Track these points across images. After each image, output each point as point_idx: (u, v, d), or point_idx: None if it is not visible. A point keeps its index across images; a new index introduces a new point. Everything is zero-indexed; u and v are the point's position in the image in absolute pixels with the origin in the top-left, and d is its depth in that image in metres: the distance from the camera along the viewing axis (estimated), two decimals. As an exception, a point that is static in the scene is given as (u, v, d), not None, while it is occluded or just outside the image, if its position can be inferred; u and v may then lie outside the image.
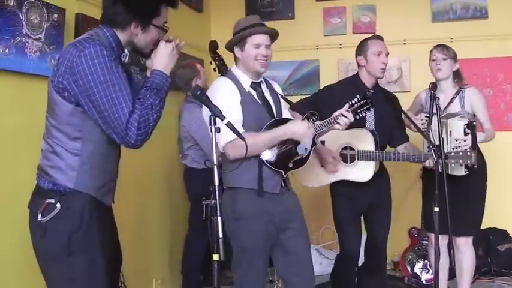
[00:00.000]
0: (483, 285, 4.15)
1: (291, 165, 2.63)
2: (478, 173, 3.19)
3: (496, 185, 4.56)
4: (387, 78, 4.72)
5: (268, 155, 2.56)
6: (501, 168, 4.61)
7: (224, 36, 5.33)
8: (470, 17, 4.63)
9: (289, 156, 2.61)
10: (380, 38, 3.29)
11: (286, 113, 2.79)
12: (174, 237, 4.16)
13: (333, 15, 4.86)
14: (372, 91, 3.02)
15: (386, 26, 4.79)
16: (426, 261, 4.20)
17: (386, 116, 3.22)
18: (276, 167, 2.57)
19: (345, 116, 2.60)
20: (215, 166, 2.14)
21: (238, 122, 2.48)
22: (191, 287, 4.03)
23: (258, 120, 2.57)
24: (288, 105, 2.84)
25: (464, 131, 3.08)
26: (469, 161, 2.93)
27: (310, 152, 2.66)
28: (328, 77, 4.61)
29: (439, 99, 2.95)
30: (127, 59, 2.04)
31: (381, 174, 3.25)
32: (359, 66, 3.27)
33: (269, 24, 5.02)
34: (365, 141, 3.10)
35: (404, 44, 4.68)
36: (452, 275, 4.31)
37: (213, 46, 4.20)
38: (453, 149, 3.10)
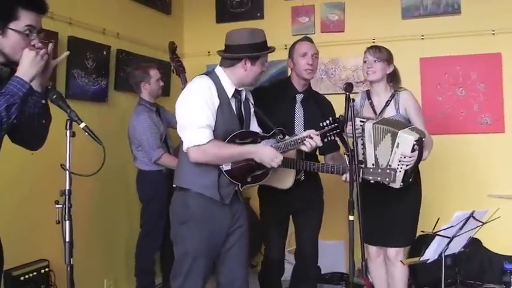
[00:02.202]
0: (445, 297, 3.92)
1: (249, 180, 2.63)
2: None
3: (473, 190, 4.34)
4: (355, 79, 4.57)
5: (228, 166, 2.54)
6: (475, 172, 4.36)
7: (197, 37, 5.37)
8: (442, 13, 4.40)
9: (249, 170, 2.60)
10: (308, 39, 3.21)
11: (254, 123, 2.77)
12: (131, 239, 4.19)
13: (301, 14, 4.76)
14: (342, 116, 2.77)
15: (355, 24, 4.66)
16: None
17: (316, 122, 3.10)
18: (234, 179, 2.56)
19: (313, 139, 2.59)
20: (67, 171, 2.14)
21: (210, 127, 2.47)
22: (144, 288, 4.07)
23: (227, 129, 2.55)
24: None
25: (413, 147, 2.90)
26: (387, 179, 2.73)
27: (270, 170, 2.66)
28: (296, 77, 4.52)
29: (353, 100, 2.77)
30: None
31: (310, 177, 3.13)
32: (291, 69, 3.21)
33: (239, 25, 5.04)
34: None
35: (374, 42, 4.47)
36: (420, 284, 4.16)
37: (172, 48, 4.23)
38: (399, 162, 2.94)
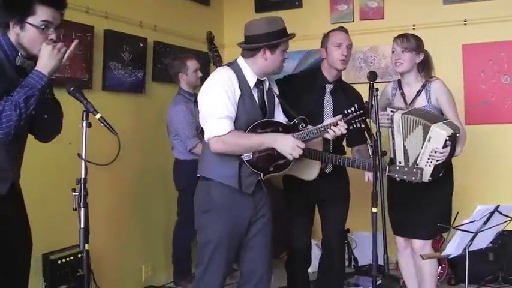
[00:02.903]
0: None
1: (271, 169, 2.62)
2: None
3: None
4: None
5: (249, 156, 2.55)
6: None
7: (236, 27, 5.37)
8: (486, -4, 4.19)
9: (271, 160, 2.60)
10: (343, 29, 3.14)
11: (278, 113, 2.77)
12: (169, 227, 4.28)
13: (340, 2, 4.68)
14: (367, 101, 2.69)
15: (395, 11, 4.53)
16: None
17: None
18: (255, 168, 2.57)
19: (337, 127, 2.56)
20: (83, 161, 2.23)
21: (230, 118, 2.49)
22: (181, 275, 4.16)
23: (249, 119, 2.57)
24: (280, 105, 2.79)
25: (445, 143, 2.81)
26: (413, 178, 2.67)
27: (292, 160, 2.63)
28: (335, 66, 4.46)
29: (377, 90, 2.71)
30: (19, 61, 2.13)
31: (336, 169, 3.09)
32: (322, 58, 3.16)
33: (277, 14, 5.04)
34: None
35: (414, 29, 4.33)
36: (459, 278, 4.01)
37: (210, 37, 4.27)
38: (429, 156, 2.86)
